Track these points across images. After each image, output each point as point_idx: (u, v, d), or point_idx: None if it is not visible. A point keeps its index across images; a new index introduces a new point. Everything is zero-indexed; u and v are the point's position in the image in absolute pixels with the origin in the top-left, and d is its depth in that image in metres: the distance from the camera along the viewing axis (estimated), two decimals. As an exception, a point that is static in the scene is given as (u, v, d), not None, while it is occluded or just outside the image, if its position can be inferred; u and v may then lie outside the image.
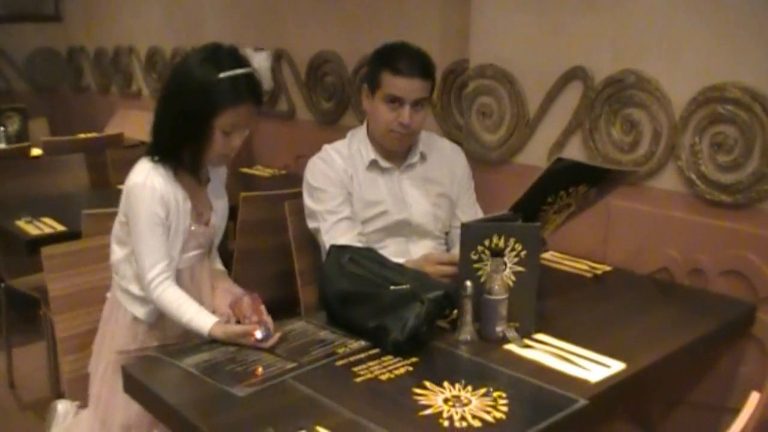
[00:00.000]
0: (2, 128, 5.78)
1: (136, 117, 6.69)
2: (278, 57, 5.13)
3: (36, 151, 5.52)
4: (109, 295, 2.53)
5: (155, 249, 2.31)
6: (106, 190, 4.61)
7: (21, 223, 3.63)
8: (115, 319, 2.47)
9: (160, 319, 2.43)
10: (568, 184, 2.43)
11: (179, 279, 2.40)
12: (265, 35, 5.26)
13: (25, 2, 8.16)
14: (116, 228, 2.45)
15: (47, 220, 3.66)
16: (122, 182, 4.36)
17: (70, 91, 8.10)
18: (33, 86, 8.05)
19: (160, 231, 2.32)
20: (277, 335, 2.18)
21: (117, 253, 2.44)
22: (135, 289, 2.40)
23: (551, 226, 2.57)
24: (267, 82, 2.42)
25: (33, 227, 3.57)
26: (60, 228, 3.55)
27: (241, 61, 2.33)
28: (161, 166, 2.36)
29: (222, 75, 2.25)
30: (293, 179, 3.77)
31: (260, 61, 2.39)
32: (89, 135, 6.19)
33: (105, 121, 7.10)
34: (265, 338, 2.16)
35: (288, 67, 5.11)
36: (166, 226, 2.34)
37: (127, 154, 4.97)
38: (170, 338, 2.44)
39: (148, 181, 2.32)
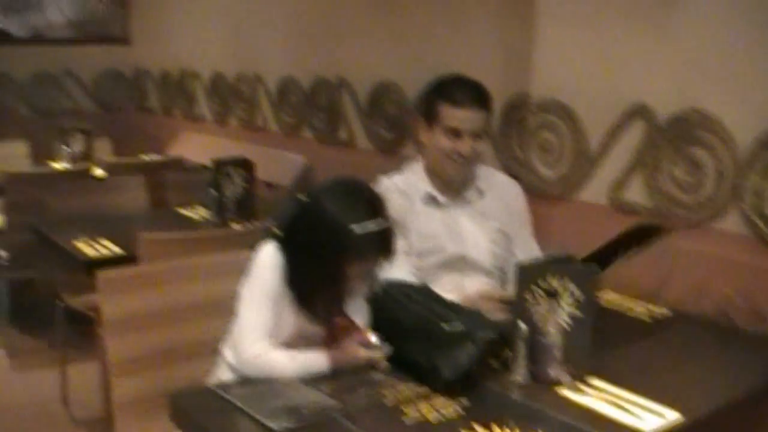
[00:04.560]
0: (67, 148, 5.86)
1: (198, 141, 6.78)
2: (339, 85, 5.14)
3: (98, 171, 5.60)
4: None
5: (264, 320, 2.24)
6: (165, 212, 4.61)
7: (79, 243, 3.67)
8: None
9: None
10: (640, 244, 2.41)
11: None
12: (326, 62, 5.29)
13: (95, 25, 8.34)
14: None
15: (105, 241, 3.69)
16: (181, 204, 4.50)
17: (134, 112, 8.22)
18: (99, 106, 8.20)
19: (272, 307, 2.25)
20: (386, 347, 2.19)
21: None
22: (229, 355, 2.35)
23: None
24: None
25: (90, 248, 3.61)
26: (117, 250, 3.57)
27: (378, 211, 2.24)
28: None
29: (355, 229, 2.17)
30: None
31: None
32: (150, 156, 6.28)
33: (167, 142, 7.21)
34: (378, 344, 2.18)
35: (348, 96, 5.12)
36: (275, 305, 2.27)
37: (186, 178, 5.03)
38: None
39: (276, 259, 2.27)
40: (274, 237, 2.35)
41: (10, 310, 4.95)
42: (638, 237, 2.40)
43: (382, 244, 2.24)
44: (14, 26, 9.06)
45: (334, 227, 2.19)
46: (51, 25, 8.86)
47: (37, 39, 8.46)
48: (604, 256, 2.36)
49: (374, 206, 2.25)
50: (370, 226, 2.18)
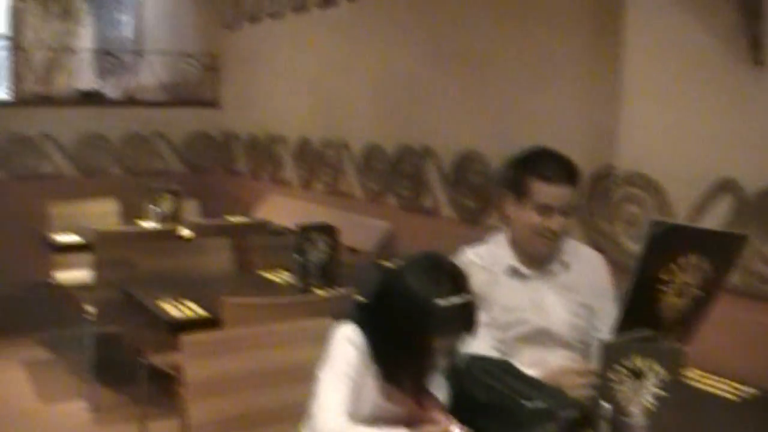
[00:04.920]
0: (156, 208, 5.99)
1: (284, 204, 6.87)
2: (423, 153, 5.18)
3: (185, 232, 5.71)
4: None
5: (343, 398, 2.23)
6: (249, 275, 4.65)
7: (164, 304, 3.73)
8: None
9: None
10: (676, 255, 2.30)
11: None
12: (411, 130, 5.34)
13: (186, 89, 8.60)
14: None
15: (189, 302, 3.74)
16: (266, 268, 4.55)
17: (222, 175, 8.39)
18: (188, 167, 8.41)
19: (351, 386, 2.25)
20: None
21: None
22: None
23: (678, 317, 2.43)
24: None
25: (175, 309, 3.67)
26: (201, 313, 3.62)
27: (461, 285, 2.24)
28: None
29: (438, 303, 2.17)
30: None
31: None
32: (237, 219, 6.39)
33: (253, 205, 7.33)
34: None
35: (432, 164, 5.15)
36: (355, 385, 2.27)
37: (271, 241, 5.09)
38: None
39: (355, 338, 2.28)
40: (356, 309, 2.36)
41: (96, 364, 5.04)
42: (673, 246, 2.29)
43: (466, 319, 2.22)
44: (109, 88, 9.41)
45: (418, 301, 2.18)
46: (144, 87, 9.18)
47: (131, 101, 8.77)
48: (645, 278, 2.28)
49: (457, 281, 2.24)
50: (454, 300, 2.17)
